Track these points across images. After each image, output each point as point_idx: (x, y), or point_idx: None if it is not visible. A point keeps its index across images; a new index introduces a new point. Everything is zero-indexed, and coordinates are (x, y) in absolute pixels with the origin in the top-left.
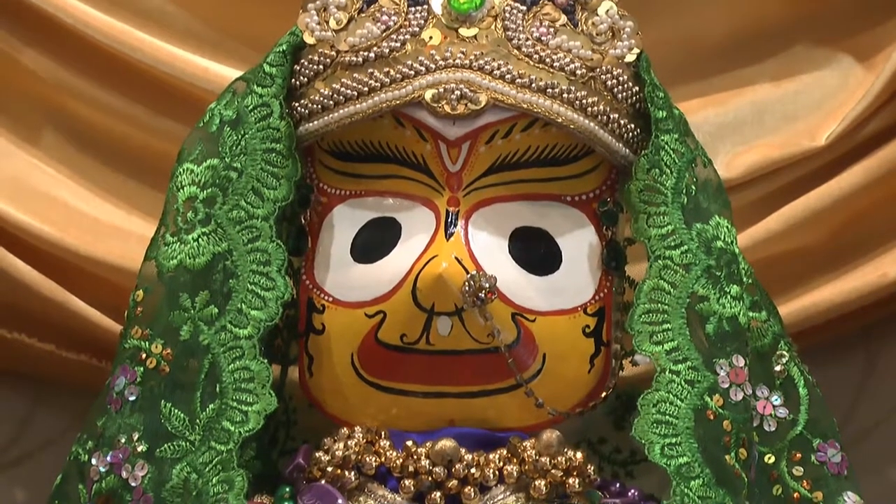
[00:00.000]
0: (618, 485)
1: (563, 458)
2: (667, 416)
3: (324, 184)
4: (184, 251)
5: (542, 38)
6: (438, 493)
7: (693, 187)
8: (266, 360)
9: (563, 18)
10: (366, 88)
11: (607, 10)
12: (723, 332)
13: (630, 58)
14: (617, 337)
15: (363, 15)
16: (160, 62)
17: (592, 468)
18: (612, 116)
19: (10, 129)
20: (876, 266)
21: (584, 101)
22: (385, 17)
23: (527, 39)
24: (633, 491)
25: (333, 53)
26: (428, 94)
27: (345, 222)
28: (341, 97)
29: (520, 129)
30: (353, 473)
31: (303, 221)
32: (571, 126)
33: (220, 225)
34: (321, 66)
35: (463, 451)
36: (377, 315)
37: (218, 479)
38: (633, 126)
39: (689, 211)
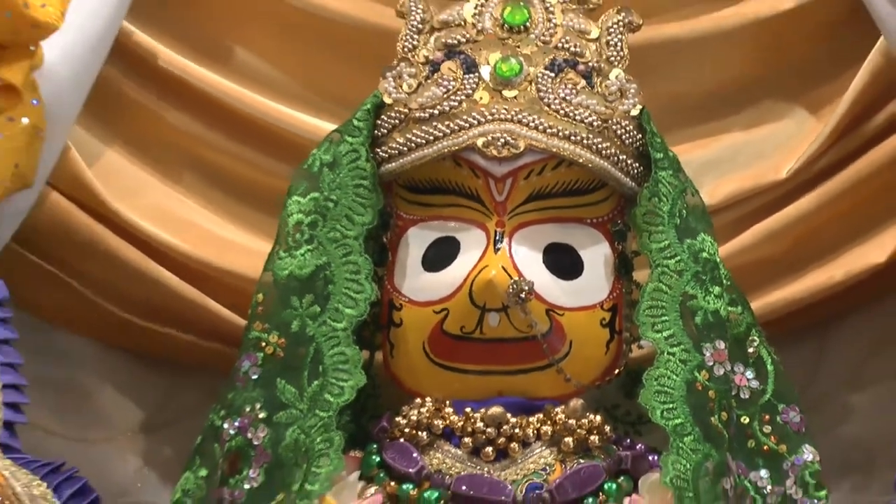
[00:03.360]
0: (628, 440)
1: (586, 420)
2: (665, 388)
3: (400, 211)
4: (293, 264)
5: (567, 97)
6: (490, 448)
7: (684, 211)
8: (357, 347)
9: (583, 82)
10: (432, 137)
11: (617, 76)
12: (708, 322)
13: (634, 112)
14: (626, 327)
15: (429, 81)
16: (273, 118)
17: (609, 428)
18: (621, 157)
19: (157, 170)
20: (825, 271)
21: (600, 145)
22: (446, 83)
23: (555, 98)
24: (640, 445)
25: (406, 111)
26: (479, 141)
27: (417, 240)
28: (413, 144)
29: (550, 168)
30: (424, 433)
31: (384, 240)
32: (590, 165)
33: (321, 243)
34: (397, 121)
35: (509, 415)
36: (442, 311)
37: (321, 439)
38: (637, 164)
39: (681, 230)
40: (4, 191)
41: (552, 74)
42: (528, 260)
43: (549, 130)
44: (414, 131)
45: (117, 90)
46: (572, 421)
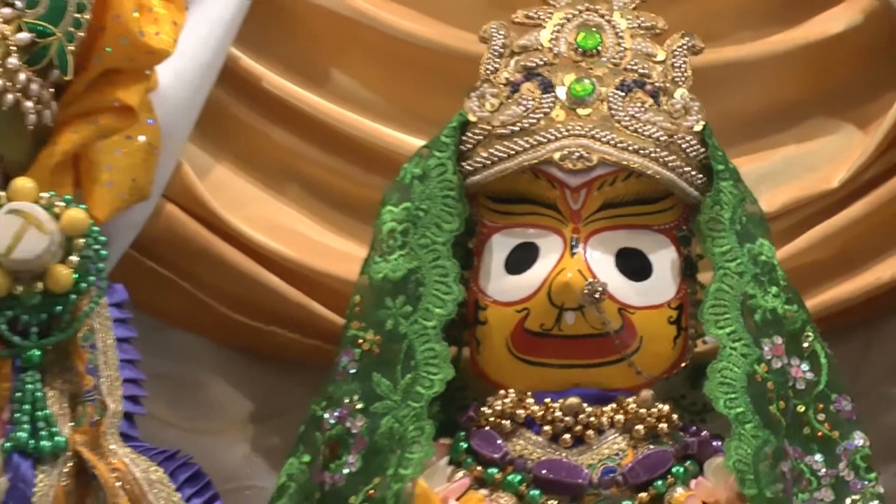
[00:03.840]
0: (694, 428)
1: (656, 410)
2: (728, 379)
3: (485, 219)
4: (387, 267)
5: (636, 114)
6: (568, 435)
7: (744, 218)
8: (446, 343)
9: (650, 101)
10: (512, 152)
11: (681, 95)
12: (766, 319)
13: (698, 128)
14: (691, 324)
15: (510, 100)
16: (367, 135)
17: (676, 416)
18: (685, 169)
19: (265, 183)
20: (873, 272)
21: (666, 158)
22: (525, 102)
23: (625, 116)
24: (705, 432)
25: (489, 128)
26: (556, 155)
27: (500, 246)
28: (495, 158)
29: (621, 179)
30: (508, 422)
31: (470, 245)
32: (657, 176)
33: (412, 249)
34: (481, 137)
35: (585, 405)
36: (523, 311)
37: (413, 427)
38: (700, 176)
39: (741, 235)
40: (123, 203)
41: (622, 94)
42: (601, 263)
43: (619, 145)
44: (496, 146)
45: (226, 110)
46: (643, 410)
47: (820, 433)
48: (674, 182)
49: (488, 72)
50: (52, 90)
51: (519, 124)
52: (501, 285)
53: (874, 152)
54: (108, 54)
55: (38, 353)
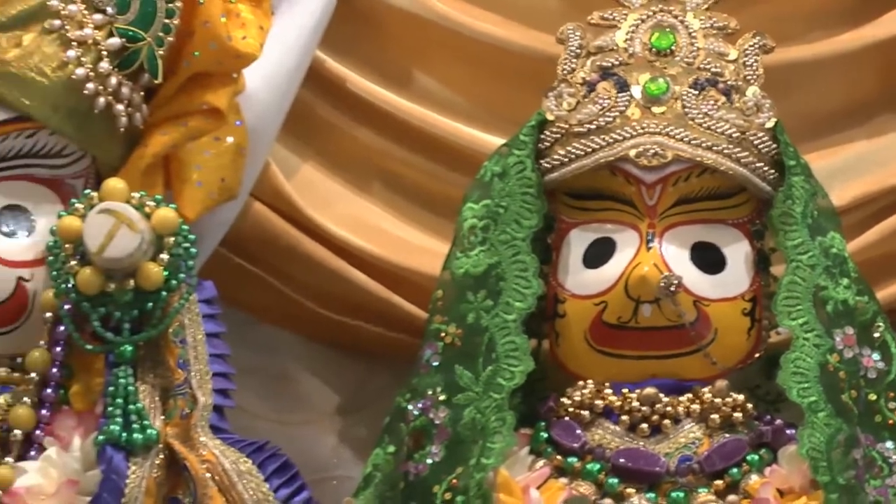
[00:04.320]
0: (768, 416)
1: (731, 399)
2: (801, 369)
3: (563, 215)
4: (468, 263)
5: (709, 112)
6: (645, 425)
7: (815, 212)
8: (526, 336)
9: (723, 99)
10: (589, 149)
11: (753, 93)
12: (838, 311)
13: (769, 124)
14: (765, 315)
15: (586, 99)
16: (449, 134)
17: (751, 405)
18: (758, 165)
19: (351, 182)
20: None
21: (739, 154)
22: (601, 101)
23: (698, 113)
24: (778, 420)
25: (567, 126)
26: (632, 153)
27: (578, 241)
28: (573, 156)
29: (695, 175)
30: (587, 412)
31: (549, 241)
32: (730, 172)
33: (493, 244)
34: (558, 135)
35: (661, 395)
36: (601, 304)
37: (495, 418)
38: (772, 171)
39: (812, 228)
40: (212, 202)
41: (695, 92)
42: (676, 257)
43: (693, 142)
44: (574, 144)
45: (312, 112)
46: (718, 400)
47: (891, 421)
48: (746, 177)
49: (565, 72)
50: (142, 93)
51: (595, 122)
52: (579, 279)
53: None
54: (196, 58)
55: (130, 348)
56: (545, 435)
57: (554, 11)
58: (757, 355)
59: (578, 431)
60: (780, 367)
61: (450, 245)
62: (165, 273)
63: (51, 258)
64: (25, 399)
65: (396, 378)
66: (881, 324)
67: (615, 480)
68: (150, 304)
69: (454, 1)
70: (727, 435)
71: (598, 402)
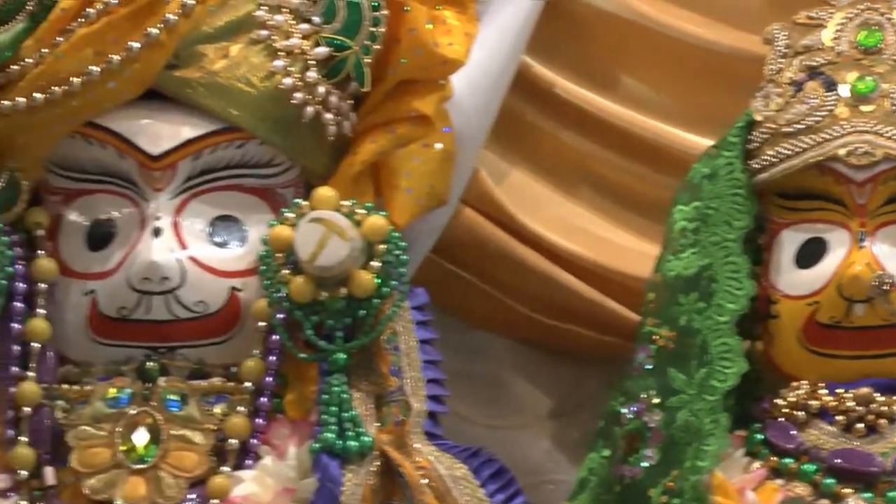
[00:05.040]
0: None
1: None
2: None
3: (773, 216)
4: (679, 265)
5: None
6: (861, 425)
7: None
8: (739, 337)
9: None
10: (798, 149)
11: None
12: None
13: None
14: None
15: (794, 99)
16: (657, 136)
17: None
18: None
19: (558, 185)
20: None
21: None
22: (809, 100)
23: None
24: None
25: (775, 127)
26: (841, 152)
27: (789, 241)
28: (782, 156)
29: None
30: (801, 413)
31: (760, 241)
32: None
33: (703, 246)
34: (767, 136)
35: (877, 395)
36: (814, 304)
37: (709, 420)
38: None
39: None
40: (422, 208)
41: None
42: (889, 255)
43: None
44: (782, 144)
45: (519, 116)
46: None
47: None
48: None
49: (772, 72)
50: (350, 102)
51: (804, 122)
52: (792, 279)
53: None
54: (403, 65)
55: (343, 356)
56: (760, 436)
57: (755, 10)
58: None
59: (793, 432)
60: None
61: (660, 247)
62: (377, 280)
63: (263, 267)
64: (240, 408)
65: (609, 381)
66: None
67: (831, 481)
68: (363, 312)
69: (658, 3)
70: None
71: (813, 403)
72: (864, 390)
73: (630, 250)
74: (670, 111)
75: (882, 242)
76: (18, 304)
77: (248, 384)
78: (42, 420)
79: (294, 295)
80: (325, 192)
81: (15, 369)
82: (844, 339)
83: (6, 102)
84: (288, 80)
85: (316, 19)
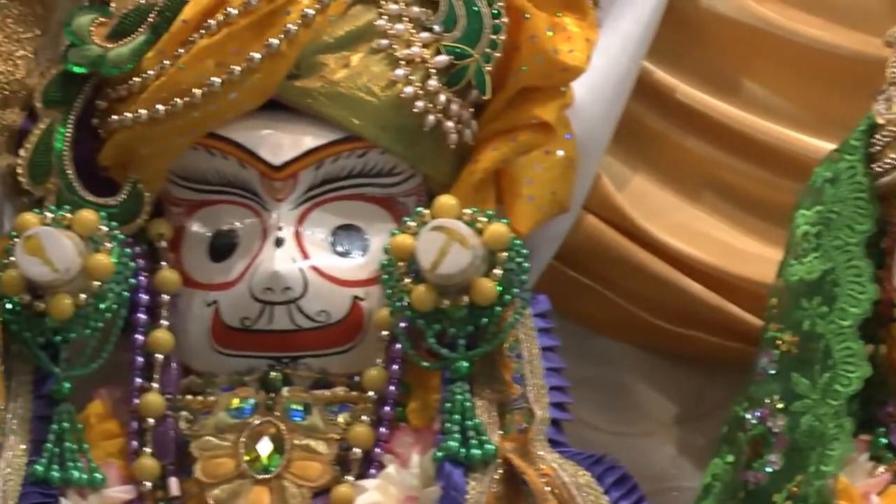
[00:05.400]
0: None
1: None
2: None
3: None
4: (801, 270)
5: None
6: None
7: None
8: (862, 341)
9: None
10: None
11: None
12: None
13: None
14: None
15: None
16: (780, 140)
17: None
18: None
19: (680, 191)
20: None
21: None
22: None
23: None
24: None
25: None
26: None
27: None
28: None
29: None
30: None
31: (882, 245)
32: None
33: (826, 251)
34: (889, 139)
35: None
36: None
37: (833, 425)
38: None
39: None
40: (544, 216)
41: None
42: None
43: None
44: None
45: (641, 122)
46: None
47: None
48: None
49: (894, 75)
50: (471, 110)
51: None
52: None
53: None
54: (524, 73)
55: (466, 364)
56: (884, 440)
57: (877, 13)
58: None
59: None
60: None
61: (782, 252)
62: (499, 288)
63: (385, 276)
64: (364, 417)
65: (734, 387)
66: None
67: None
68: (485, 320)
69: (778, 6)
70: None
71: None
72: None
73: (753, 255)
74: (792, 115)
75: None
76: (142, 316)
77: (371, 393)
78: (166, 431)
79: (416, 303)
80: (446, 200)
81: (139, 381)
82: None
83: (128, 114)
84: (409, 89)
85: (436, 28)
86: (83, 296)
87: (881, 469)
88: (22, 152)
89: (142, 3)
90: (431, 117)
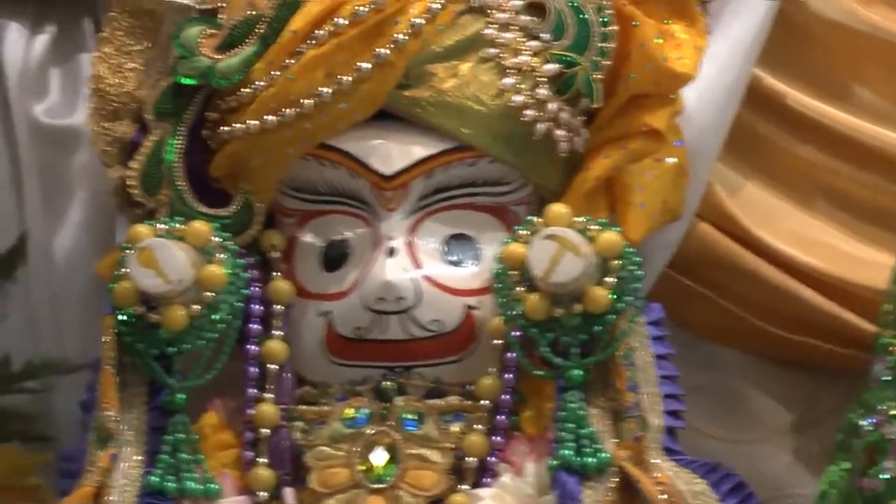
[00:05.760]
0: None
1: None
2: None
3: None
4: None
5: None
6: None
7: None
8: None
9: None
10: None
11: None
12: None
13: None
14: None
15: None
16: (892, 145)
17: None
18: None
19: (794, 198)
20: None
21: None
22: None
23: None
24: None
25: None
26: None
27: None
28: None
29: None
30: None
31: None
32: None
33: None
34: None
35: None
36: None
37: None
38: None
39: None
40: (655, 223)
41: None
42: None
43: None
44: None
45: (752, 129)
46: None
47: None
48: None
49: None
50: (581, 118)
51: None
52: None
53: None
54: (633, 80)
55: (580, 372)
56: None
57: None
58: None
59: None
60: None
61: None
62: (612, 296)
63: (498, 285)
64: (478, 426)
65: (847, 393)
66: None
67: None
68: (598, 328)
69: (885, 10)
70: None
71: None
72: None
73: (867, 262)
74: None
75: None
76: (255, 327)
77: (485, 402)
78: (281, 441)
79: (529, 312)
80: (558, 208)
81: (253, 391)
82: None
83: (239, 125)
84: (518, 98)
85: (545, 36)
86: (196, 307)
87: None
88: (133, 164)
89: (250, 15)
90: (541, 126)
